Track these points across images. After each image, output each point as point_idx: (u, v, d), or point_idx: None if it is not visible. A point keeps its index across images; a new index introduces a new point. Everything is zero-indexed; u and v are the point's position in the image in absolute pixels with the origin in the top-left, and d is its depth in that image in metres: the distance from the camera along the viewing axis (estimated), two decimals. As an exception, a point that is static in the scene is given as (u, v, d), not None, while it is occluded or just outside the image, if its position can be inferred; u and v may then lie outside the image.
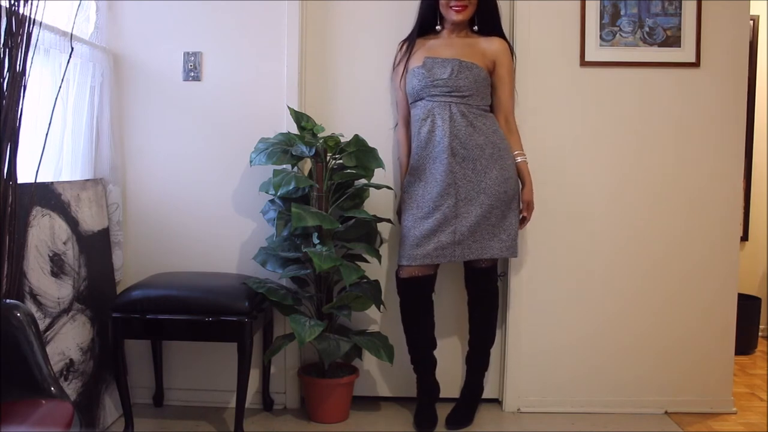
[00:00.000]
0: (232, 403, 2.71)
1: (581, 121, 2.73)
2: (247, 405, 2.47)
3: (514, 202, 2.54)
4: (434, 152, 2.48)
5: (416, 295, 2.58)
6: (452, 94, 2.49)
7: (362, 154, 2.54)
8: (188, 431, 2.54)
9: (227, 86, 2.73)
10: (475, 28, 2.58)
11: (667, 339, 2.75)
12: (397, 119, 2.71)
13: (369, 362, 2.82)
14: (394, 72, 2.68)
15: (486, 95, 2.57)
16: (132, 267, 2.75)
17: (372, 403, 2.81)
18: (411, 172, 2.54)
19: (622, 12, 2.69)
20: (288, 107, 2.64)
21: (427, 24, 2.61)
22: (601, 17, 2.69)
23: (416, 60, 2.56)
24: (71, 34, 2.25)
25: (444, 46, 2.57)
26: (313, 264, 2.39)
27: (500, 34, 2.61)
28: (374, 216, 2.61)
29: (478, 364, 2.69)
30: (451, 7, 2.51)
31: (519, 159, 2.57)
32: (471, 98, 2.51)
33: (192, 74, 2.73)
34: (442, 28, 2.59)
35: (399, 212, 2.64)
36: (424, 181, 2.50)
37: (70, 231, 2.37)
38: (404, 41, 2.64)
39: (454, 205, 2.46)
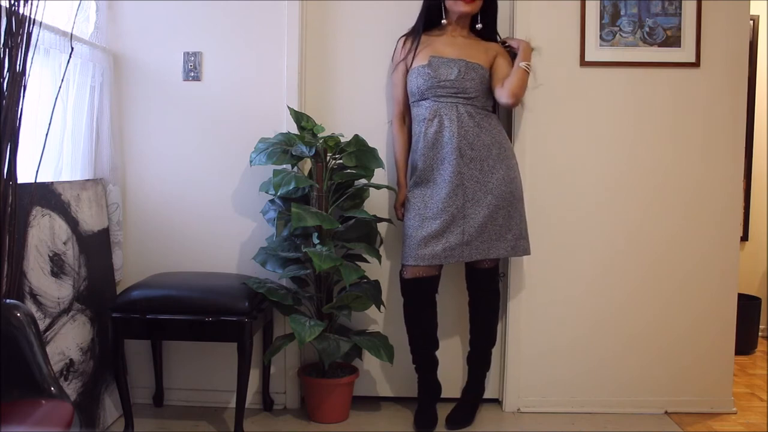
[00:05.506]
0: (232, 403, 2.71)
1: (581, 121, 2.72)
2: (247, 405, 2.47)
3: (520, 202, 2.54)
4: (442, 153, 2.48)
5: (420, 295, 2.58)
6: (458, 95, 2.49)
7: (362, 154, 2.54)
8: (188, 431, 2.54)
9: (227, 86, 2.73)
10: (478, 26, 2.58)
11: (667, 339, 2.75)
12: (392, 115, 2.71)
13: (369, 362, 2.82)
14: (395, 68, 2.66)
15: (490, 96, 2.57)
16: (132, 267, 2.75)
17: (372, 403, 2.81)
18: (417, 173, 2.52)
19: (622, 12, 2.68)
20: (288, 107, 2.64)
21: (433, 18, 2.59)
22: (601, 17, 2.69)
23: (420, 59, 2.55)
24: (71, 34, 2.25)
25: (447, 45, 2.56)
26: (313, 264, 2.39)
27: (495, 40, 2.65)
28: (374, 216, 2.60)
29: (479, 365, 2.69)
30: None
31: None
32: (476, 99, 2.51)
33: (192, 74, 2.73)
34: (447, 23, 2.57)
35: (402, 205, 2.61)
36: (432, 182, 2.49)
37: (70, 231, 2.37)
38: (407, 37, 2.63)
39: (462, 205, 2.46)
